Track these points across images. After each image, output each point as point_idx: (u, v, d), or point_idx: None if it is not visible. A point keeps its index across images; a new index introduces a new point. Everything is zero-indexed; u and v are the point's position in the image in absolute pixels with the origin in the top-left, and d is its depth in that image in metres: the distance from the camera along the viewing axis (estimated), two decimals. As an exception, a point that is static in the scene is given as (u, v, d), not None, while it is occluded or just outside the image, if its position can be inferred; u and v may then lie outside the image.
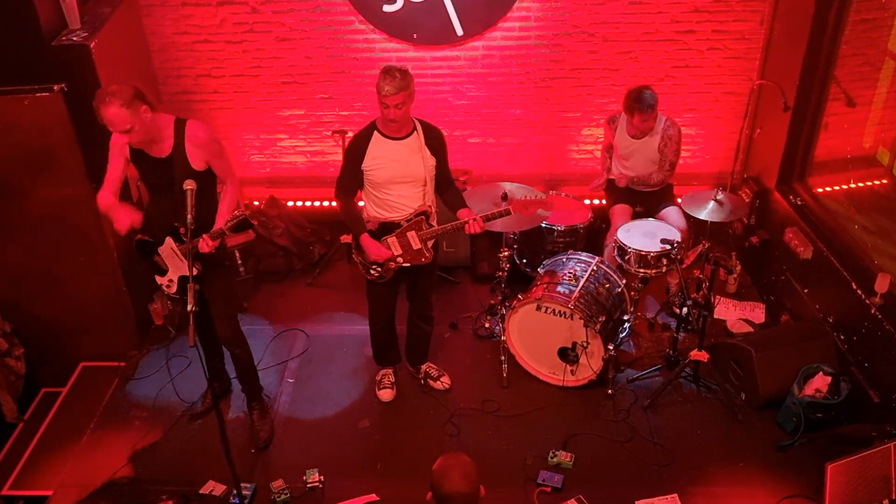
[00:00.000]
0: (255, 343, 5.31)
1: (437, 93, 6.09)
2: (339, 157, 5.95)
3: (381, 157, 4.21)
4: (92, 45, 4.57)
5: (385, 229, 4.36)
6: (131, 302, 5.35)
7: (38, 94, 4.55)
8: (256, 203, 6.36)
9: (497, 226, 4.83)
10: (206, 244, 3.94)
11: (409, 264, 4.43)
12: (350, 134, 5.98)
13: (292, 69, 6.02)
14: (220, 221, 3.99)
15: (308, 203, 6.49)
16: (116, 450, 4.66)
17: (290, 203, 6.41)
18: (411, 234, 4.35)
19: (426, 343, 5.02)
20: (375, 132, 4.22)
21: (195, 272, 4.05)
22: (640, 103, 5.18)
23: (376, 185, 4.28)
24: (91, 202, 4.85)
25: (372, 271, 4.46)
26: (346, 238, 6.09)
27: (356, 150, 4.25)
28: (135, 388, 5.16)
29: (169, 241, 4.13)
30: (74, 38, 4.60)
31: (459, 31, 5.76)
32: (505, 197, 4.83)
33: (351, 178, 4.32)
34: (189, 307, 3.45)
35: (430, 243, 4.41)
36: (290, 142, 6.34)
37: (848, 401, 4.51)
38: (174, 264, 4.21)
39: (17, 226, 4.91)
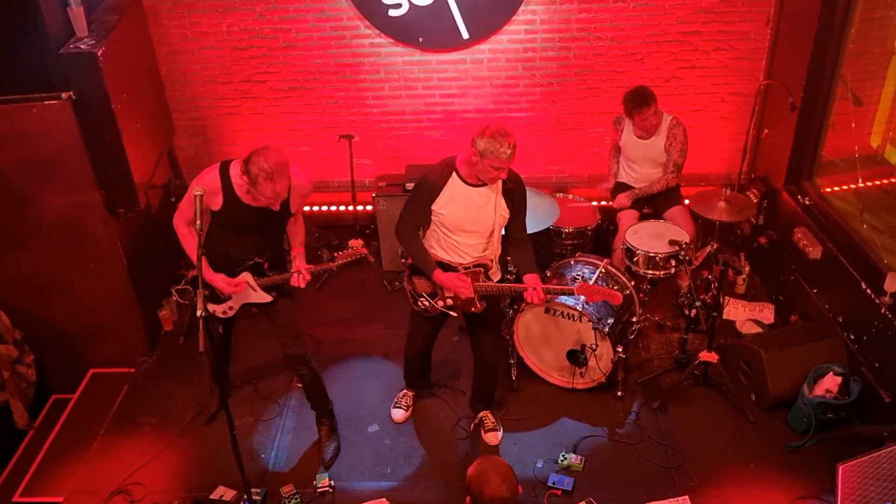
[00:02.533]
0: (263, 348, 5.34)
1: (444, 96, 6.10)
2: (347, 162, 5.99)
3: (454, 202, 3.98)
4: (99, 53, 4.59)
5: (441, 268, 4.16)
6: (140, 308, 5.36)
7: (47, 102, 4.56)
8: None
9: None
10: (303, 280, 4.12)
11: (456, 312, 4.29)
12: (356, 138, 6.03)
13: (299, 74, 6.04)
14: (298, 252, 4.26)
15: (316, 208, 6.50)
16: (127, 456, 4.67)
17: (298, 208, 6.42)
18: None
19: (487, 388, 4.71)
20: (455, 175, 3.97)
21: (268, 300, 4.29)
22: (633, 102, 5.20)
23: (442, 228, 4.08)
24: (99, 208, 4.90)
25: (420, 303, 4.32)
26: (354, 243, 6.07)
27: (429, 190, 3.99)
28: (144, 394, 5.18)
29: (246, 275, 4.16)
30: (82, 46, 4.61)
31: (465, 35, 5.77)
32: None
33: (419, 217, 4.09)
34: (198, 312, 3.44)
35: (481, 295, 4.20)
36: (298, 147, 6.35)
37: (859, 401, 4.49)
38: (240, 294, 4.25)
39: (27, 233, 4.93)
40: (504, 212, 4.05)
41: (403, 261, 4.47)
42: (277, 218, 4.07)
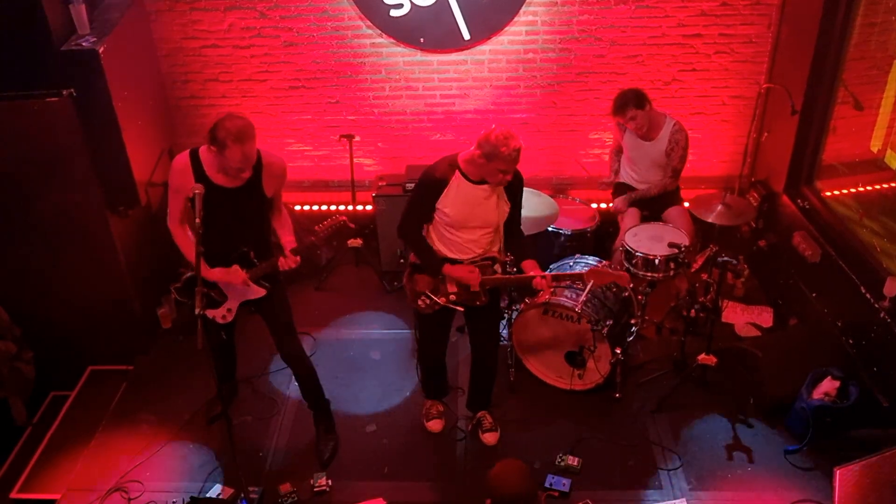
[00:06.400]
0: (262, 347, 5.34)
1: (444, 97, 6.10)
2: (347, 162, 5.99)
3: (458, 199, 3.95)
4: (101, 51, 4.59)
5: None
6: (139, 306, 5.37)
7: (48, 99, 4.56)
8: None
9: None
10: (291, 261, 4.04)
11: (461, 307, 4.25)
12: (357, 138, 6.03)
13: (300, 74, 6.04)
14: (289, 241, 4.14)
15: (316, 207, 6.50)
16: (125, 453, 4.67)
17: (298, 207, 6.42)
18: None
19: (485, 388, 4.71)
20: (458, 172, 3.94)
21: (263, 293, 4.20)
22: (613, 106, 5.26)
23: (446, 225, 4.06)
24: (99, 206, 4.91)
25: (420, 301, 4.28)
26: (353, 242, 6.09)
27: (433, 188, 3.96)
28: (143, 391, 5.18)
29: (235, 269, 4.08)
30: (83, 44, 4.62)
31: (466, 36, 5.77)
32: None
33: (422, 216, 4.07)
34: (196, 311, 3.45)
35: (488, 287, 4.19)
36: (298, 146, 6.36)
37: (857, 405, 4.47)
38: (236, 292, 4.20)
39: (26, 229, 4.93)
40: (505, 205, 4.07)
41: (402, 261, 4.46)
42: (253, 202, 3.98)
